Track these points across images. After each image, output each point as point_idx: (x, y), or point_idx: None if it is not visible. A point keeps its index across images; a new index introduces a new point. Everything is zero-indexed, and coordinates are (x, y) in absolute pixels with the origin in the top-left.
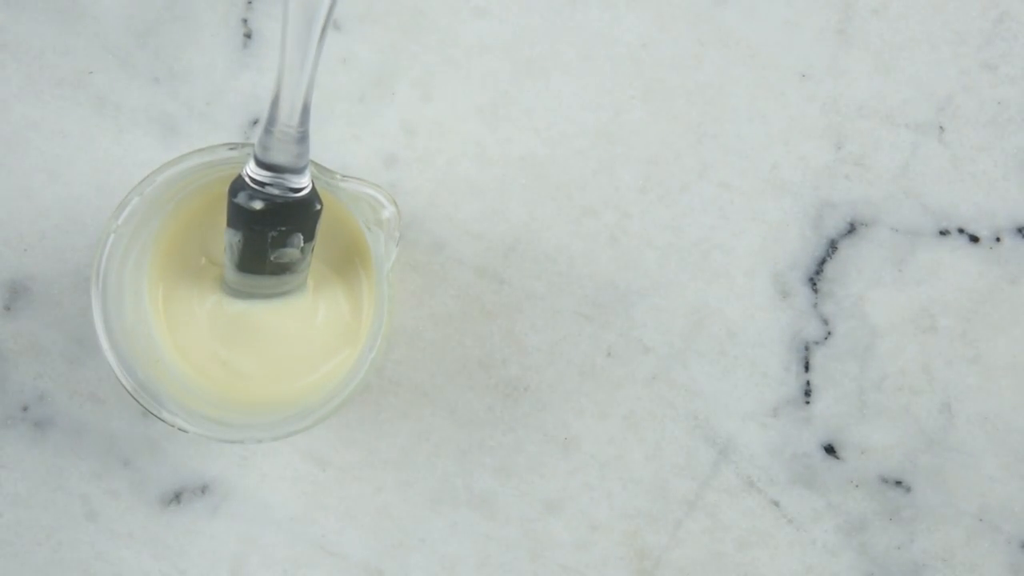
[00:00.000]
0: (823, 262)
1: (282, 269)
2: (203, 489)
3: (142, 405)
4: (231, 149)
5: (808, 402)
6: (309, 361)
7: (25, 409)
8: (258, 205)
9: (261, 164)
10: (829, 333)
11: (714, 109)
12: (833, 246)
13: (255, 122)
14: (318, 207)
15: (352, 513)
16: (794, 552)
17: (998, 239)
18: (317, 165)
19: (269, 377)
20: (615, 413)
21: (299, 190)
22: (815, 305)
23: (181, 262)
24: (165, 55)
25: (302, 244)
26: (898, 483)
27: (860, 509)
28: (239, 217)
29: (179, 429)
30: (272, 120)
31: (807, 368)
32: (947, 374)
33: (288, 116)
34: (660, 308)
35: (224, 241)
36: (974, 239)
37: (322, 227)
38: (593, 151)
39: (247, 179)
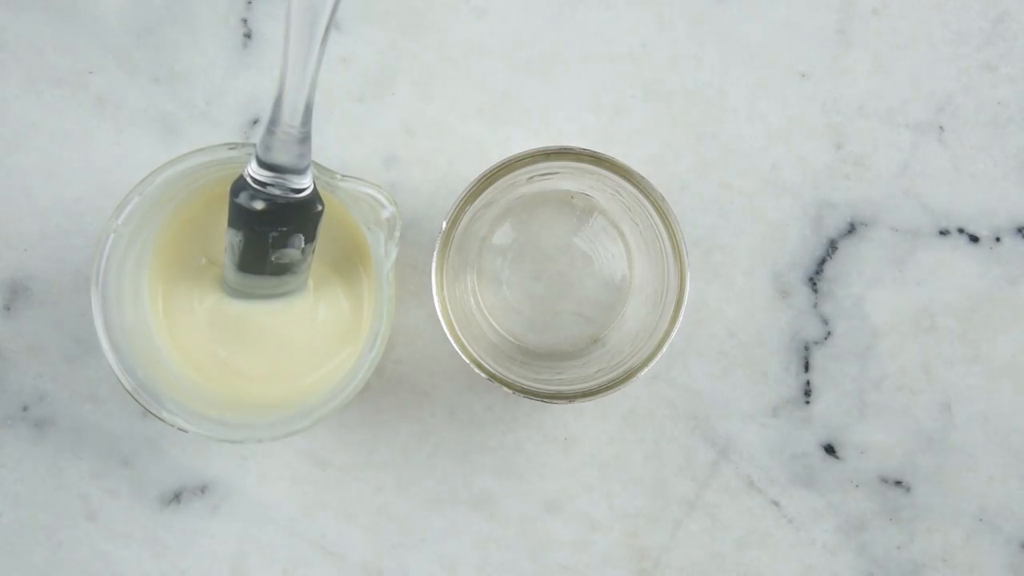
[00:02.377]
0: (823, 262)
1: (283, 270)
2: (203, 489)
3: (142, 405)
4: (231, 149)
5: (808, 402)
6: (309, 361)
7: (25, 409)
8: (259, 205)
9: (263, 164)
10: (829, 333)
11: (714, 109)
12: (833, 246)
13: (255, 122)
14: (319, 208)
15: (352, 513)
16: (794, 552)
17: (998, 239)
18: (317, 165)
19: (269, 377)
20: (615, 413)
21: (301, 191)
22: (815, 305)
23: (181, 262)
24: (165, 55)
25: (303, 245)
26: (898, 483)
27: (860, 509)
28: (240, 217)
29: (179, 429)
30: (274, 120)
31: (807, 368)
32: (947, 374)
33: (290, 116)
34: None
35: (225, 241)
36: (974, 239)
37: (322, 227)
38: None
39: (248, 179)
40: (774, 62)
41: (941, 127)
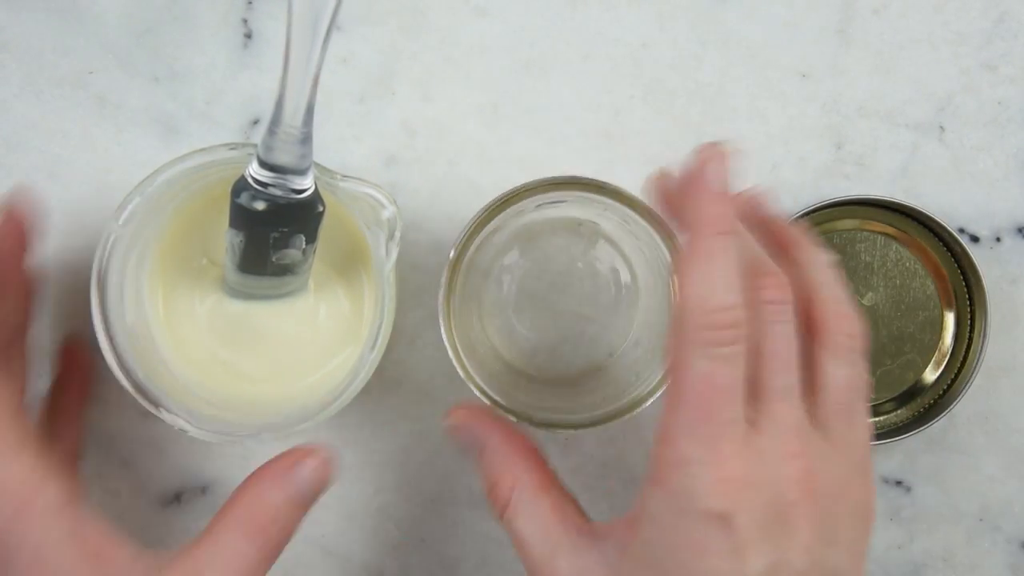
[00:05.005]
0: None
1: (283, 270)
2: (203, 489)
3: (142, 405)
4: (231, 149)
5: None
6: (309, 362)
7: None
8: (260, 206)
9: (264, 165)
10: None
11: (714, 109)
12: None
13: (255, 122)
14: (321, 209)
15: (352, 513)
16: None
17: (998, 239)
18: (317, 165)
19: (269, 377)
20: None
21: (302, 191)
22: None
23: (182, 262)
24: (165, 55)
25: (304, 245)
26: (898, 483)
27: None
28: (241, 217)
29: (179, 429)
30: (276, 121)
31: None
32: None
33: (292, 117)
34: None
35: (225, 242)
36: (974, 239)
37: (323, 228)
38: (593, 151)
39: (250, 179)
40: (774, 62)
41: (941, 127)
